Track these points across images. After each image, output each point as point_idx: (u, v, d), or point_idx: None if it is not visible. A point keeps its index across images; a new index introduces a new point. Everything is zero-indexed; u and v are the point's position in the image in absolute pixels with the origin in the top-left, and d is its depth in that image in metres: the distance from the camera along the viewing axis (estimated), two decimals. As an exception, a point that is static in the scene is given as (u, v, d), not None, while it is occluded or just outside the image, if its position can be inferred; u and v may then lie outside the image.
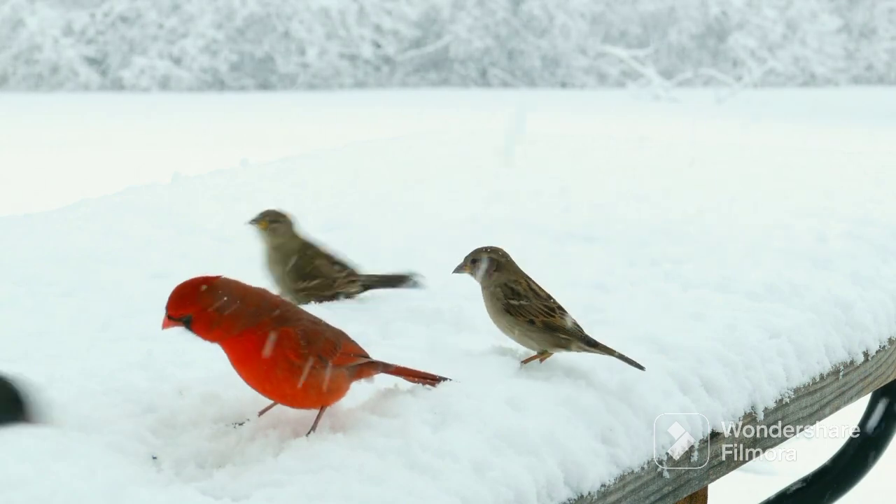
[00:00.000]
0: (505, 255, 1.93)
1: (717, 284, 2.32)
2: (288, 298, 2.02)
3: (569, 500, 1.67)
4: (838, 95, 24.81)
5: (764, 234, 2.70)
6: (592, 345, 1.85)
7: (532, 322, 1.87)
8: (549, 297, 1.91)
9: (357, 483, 1.51)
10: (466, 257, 1.92)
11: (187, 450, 1.60)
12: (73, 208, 3.00)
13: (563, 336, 1.86)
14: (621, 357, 1.85)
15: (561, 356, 1.89)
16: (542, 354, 1.89)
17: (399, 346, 1.99)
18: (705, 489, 2.16)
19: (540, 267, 2.45)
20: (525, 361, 1.88)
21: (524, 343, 1.90)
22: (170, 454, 1.59)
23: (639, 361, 1.85)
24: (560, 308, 1.89)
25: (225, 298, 1.58)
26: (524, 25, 26.48)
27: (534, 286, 1.92)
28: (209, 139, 14.85)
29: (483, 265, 1.91)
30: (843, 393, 2.29)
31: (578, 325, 1.88)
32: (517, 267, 1.93)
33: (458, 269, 1.93)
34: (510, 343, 1.98)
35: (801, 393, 2.14)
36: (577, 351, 1.87)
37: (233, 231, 2.73)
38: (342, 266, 2.27)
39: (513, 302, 1.88)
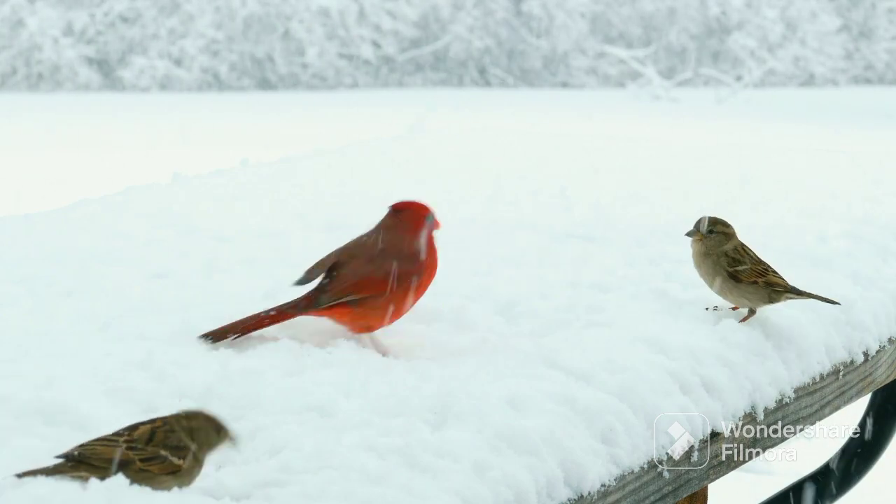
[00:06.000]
0: (730, 227, 2.19)
1: (717, 284, 2.32)
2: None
3: (569, 500, 1.67)
4: (838, 95, 24.80)
5: (764, 234, 2.69)
6: (798, 293, 2.16)
7: (755, 283, 2.14)
8: (759, 259, 2.17)
9: (357, 483, 1.51)
10: (699, 224, 2.17)
11: (187, 450, 1.60)
12: (73, 208, 2.99)
13: (779, 289, 2.15)
14: (819, 297, 2.16)
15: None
16: (750, 313, 2.16)
17: (399, 345, 1.99)
18: (705, 489, 2.16)
19: (540, 267, 2.46)
20: (743, 320, 2.15)
21: (738, 302, 2.16)
22: (170, 454, 1.58)
23: (833, 298, 2.19)
24: (769, 267, 2.17)
25: None
26: (524, 25, 26.48)
27: (748, 250, 2.17)
28: (209, 139, 14.85)
29: (715, 237, 2.17)
30: (843, 393, 2.29)
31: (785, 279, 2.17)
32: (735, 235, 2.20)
33: (690, 234, 2.18)
34: (510, 341, 1.99)
35: (801, 393, 2.14)
36: (783, 301, 2.16)
37: (233, 231, 2.72)
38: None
39: (738, 268, 2.15)
